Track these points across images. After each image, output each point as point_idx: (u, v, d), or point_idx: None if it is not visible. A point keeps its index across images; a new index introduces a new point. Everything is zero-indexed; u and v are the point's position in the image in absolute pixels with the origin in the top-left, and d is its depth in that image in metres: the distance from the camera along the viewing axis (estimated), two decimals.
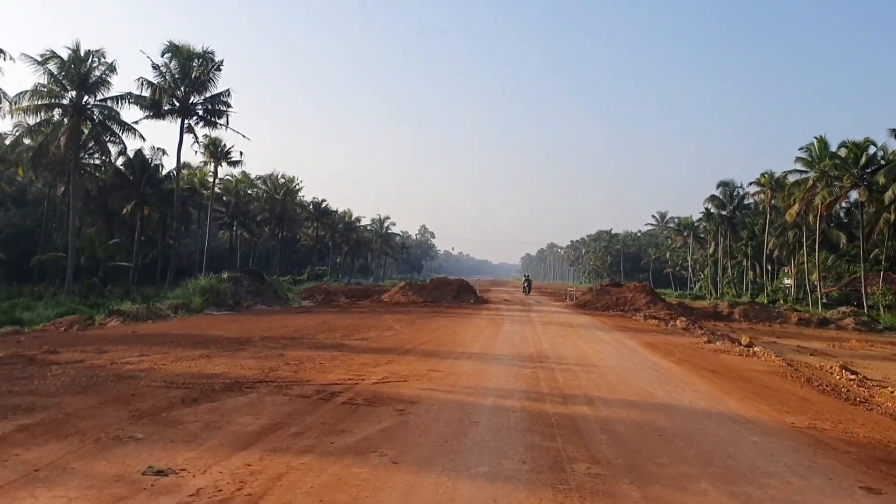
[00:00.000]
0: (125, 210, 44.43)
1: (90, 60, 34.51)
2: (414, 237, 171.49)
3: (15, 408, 6.85)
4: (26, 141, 38.88)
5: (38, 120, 35.01)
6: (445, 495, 4.73)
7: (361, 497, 4.61)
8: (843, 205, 46.43)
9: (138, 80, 37.94)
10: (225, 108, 41.01)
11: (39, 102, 33.95)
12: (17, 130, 39.14)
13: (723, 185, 66.76)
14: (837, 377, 12.08)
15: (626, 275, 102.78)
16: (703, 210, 69.96)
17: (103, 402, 7.26)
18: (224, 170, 55.63)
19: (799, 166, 46.24)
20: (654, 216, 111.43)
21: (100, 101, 35.83)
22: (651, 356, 14.16)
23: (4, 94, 33.06)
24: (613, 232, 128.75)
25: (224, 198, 64.89)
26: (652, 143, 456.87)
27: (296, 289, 41.87)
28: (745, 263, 64.37)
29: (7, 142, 43.59)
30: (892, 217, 39.52)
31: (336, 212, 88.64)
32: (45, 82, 33.88)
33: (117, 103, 36.36)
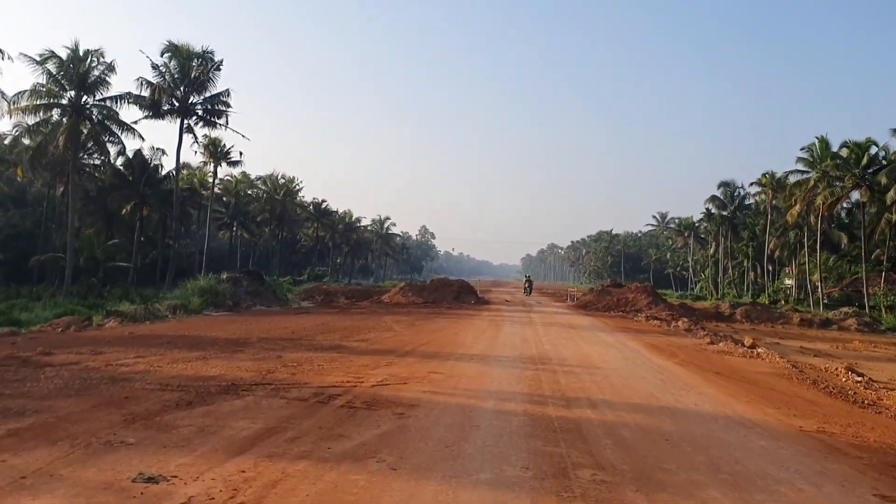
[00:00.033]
0: (124, 210, 44.28)
1: (89, 60, 34.39)
2: (414, 238, 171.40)
3: (5, 411, 6.69)
4: (25, 141, 38.76)
5: (36, 120, 34.89)
6: None
7: None
8: (845, 205, 46.23)
9: (137, 79, 37.88)
10: (225, 108, 40.92)
11: (38, 102, 33.81)
12: (16, 130, 39.08)
13: (724, 185, 66.59)
14: (844, 379, 11.91)
15: (627, 275, 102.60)
16: (704, 210, 69.79)
17: (96, 406, 7.10)
18: (224, 170, 55.61)
19: (800, 166, 46.07)
20: (654, 216, 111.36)
21: (99, 100, 35.73)
22: (654, 358, 14.00)
23: (3, 93, 32.96)
24: (614, 232, 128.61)
25: (224, 198, 64.75)
26: (652, 143, 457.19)
27: (295, 289, 41.71)
28: (745, 264, 64.20)
29: (6, 142, 43.49)
30: (894, 217, 39.35)
31: (336, 212, 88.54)
32: (44, 82, 33.76)
33: (116, 103, 36.25)
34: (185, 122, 40.23)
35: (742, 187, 65.67)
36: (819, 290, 45.33)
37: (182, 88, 39.46)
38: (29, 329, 16.57)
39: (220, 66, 40.37)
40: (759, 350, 16.24)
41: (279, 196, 69.99)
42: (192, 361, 10.60)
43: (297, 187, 74.14)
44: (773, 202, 54.94)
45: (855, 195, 42.34)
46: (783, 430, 7.41)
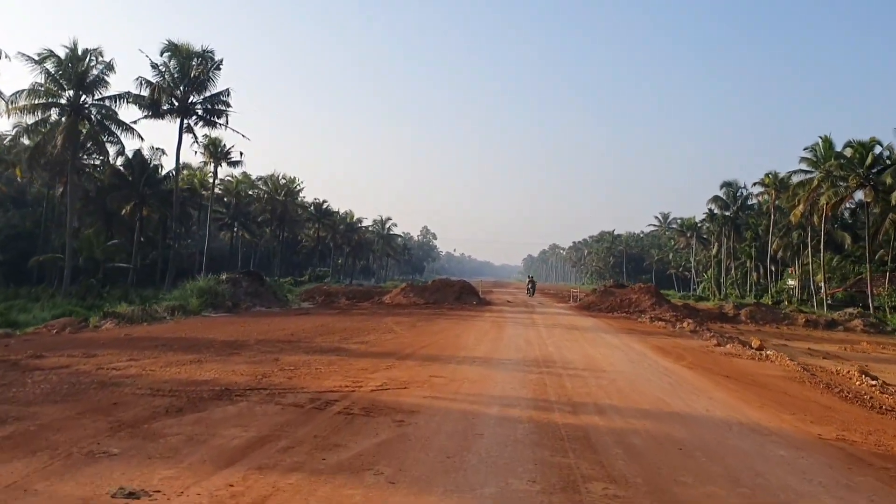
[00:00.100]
0: (124, 211, 44.02)
1: (88, 59, 34.14)
2: (416, 238, 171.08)
3: None
4: (24, 141, 38.50)
5: (35, 119, 34.61)
6: None
7: None
8: (848, 205, 45.75)
9: (137, 79, 37.65)
10: (224, 108, 40.66)
11: (36, 102, 33.57)
12: (14, 130, 38.82)
13: (726, 185, 66.15)
14: (858, 383, 11.57)
15: (629, 276, 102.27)
16: (707, 211, 69.41)
17: (82, 413, 6.78)
18: (224, 170, 55.30)
19: (803, 166, 45.66)
20: (656, 217, 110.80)
21: (98, 100, 35.47)
22: (661, 360, 13.67)
23: (1, 93, 32.72)
24: (616, 233, 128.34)
25: (224, 198, 64.47)
26: (652, 143, 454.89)
27: (296, 290, 41.42)
28: (748, 264, 63.84)
29: (5, 142, 43.24)
30: None
31: (337, 213, 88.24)
32: (43, 81, 33.51)
33: (115, 103, 36.01)
34: (185, 121, 39.97)
35: (745, 187, 65.33)
36: (822, 290, 44.96)
37: (182, 88, 39.20)
38: (24, 331, 16.28)
39: (220, 66, 40.14)
40: (768, 352, 15.89)
41: (280, 196, 69.70)
42: (187, 365, 10.29)
43: (298, 188, 73.90)
44: (776, 202, 54.56)
45: (859, 195, 41.95)
46: (801, 437, 7.08)
